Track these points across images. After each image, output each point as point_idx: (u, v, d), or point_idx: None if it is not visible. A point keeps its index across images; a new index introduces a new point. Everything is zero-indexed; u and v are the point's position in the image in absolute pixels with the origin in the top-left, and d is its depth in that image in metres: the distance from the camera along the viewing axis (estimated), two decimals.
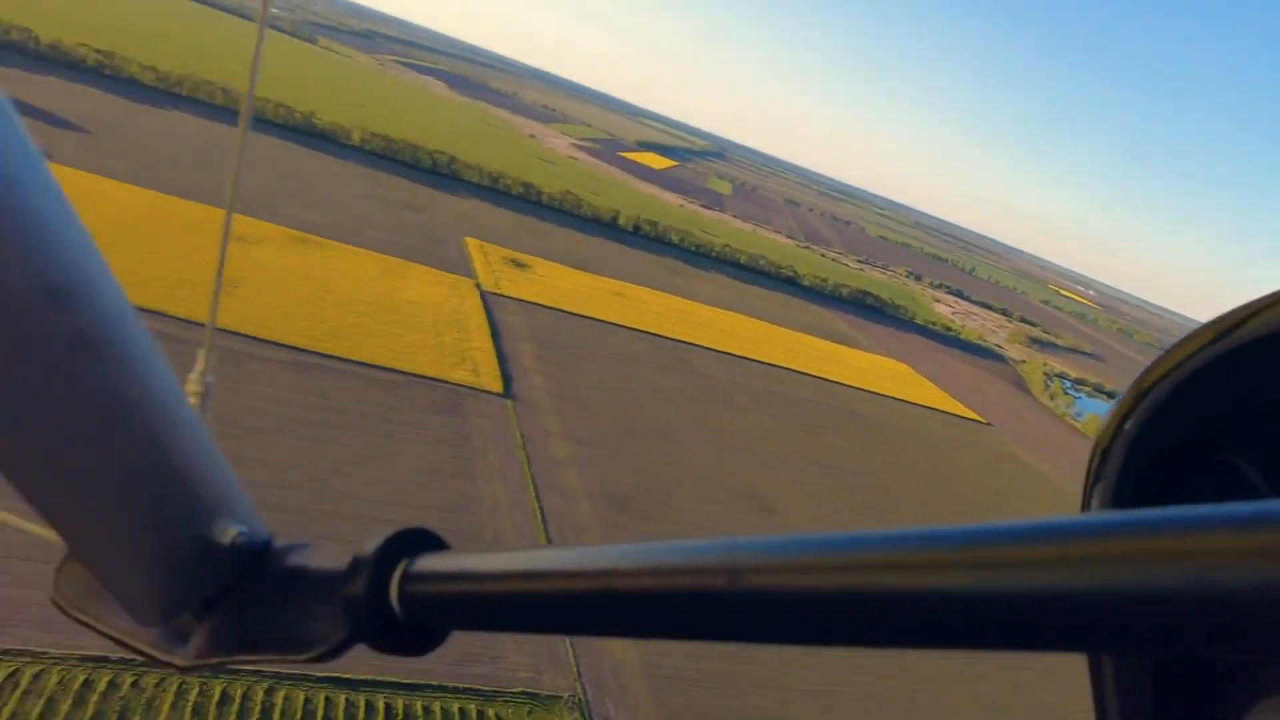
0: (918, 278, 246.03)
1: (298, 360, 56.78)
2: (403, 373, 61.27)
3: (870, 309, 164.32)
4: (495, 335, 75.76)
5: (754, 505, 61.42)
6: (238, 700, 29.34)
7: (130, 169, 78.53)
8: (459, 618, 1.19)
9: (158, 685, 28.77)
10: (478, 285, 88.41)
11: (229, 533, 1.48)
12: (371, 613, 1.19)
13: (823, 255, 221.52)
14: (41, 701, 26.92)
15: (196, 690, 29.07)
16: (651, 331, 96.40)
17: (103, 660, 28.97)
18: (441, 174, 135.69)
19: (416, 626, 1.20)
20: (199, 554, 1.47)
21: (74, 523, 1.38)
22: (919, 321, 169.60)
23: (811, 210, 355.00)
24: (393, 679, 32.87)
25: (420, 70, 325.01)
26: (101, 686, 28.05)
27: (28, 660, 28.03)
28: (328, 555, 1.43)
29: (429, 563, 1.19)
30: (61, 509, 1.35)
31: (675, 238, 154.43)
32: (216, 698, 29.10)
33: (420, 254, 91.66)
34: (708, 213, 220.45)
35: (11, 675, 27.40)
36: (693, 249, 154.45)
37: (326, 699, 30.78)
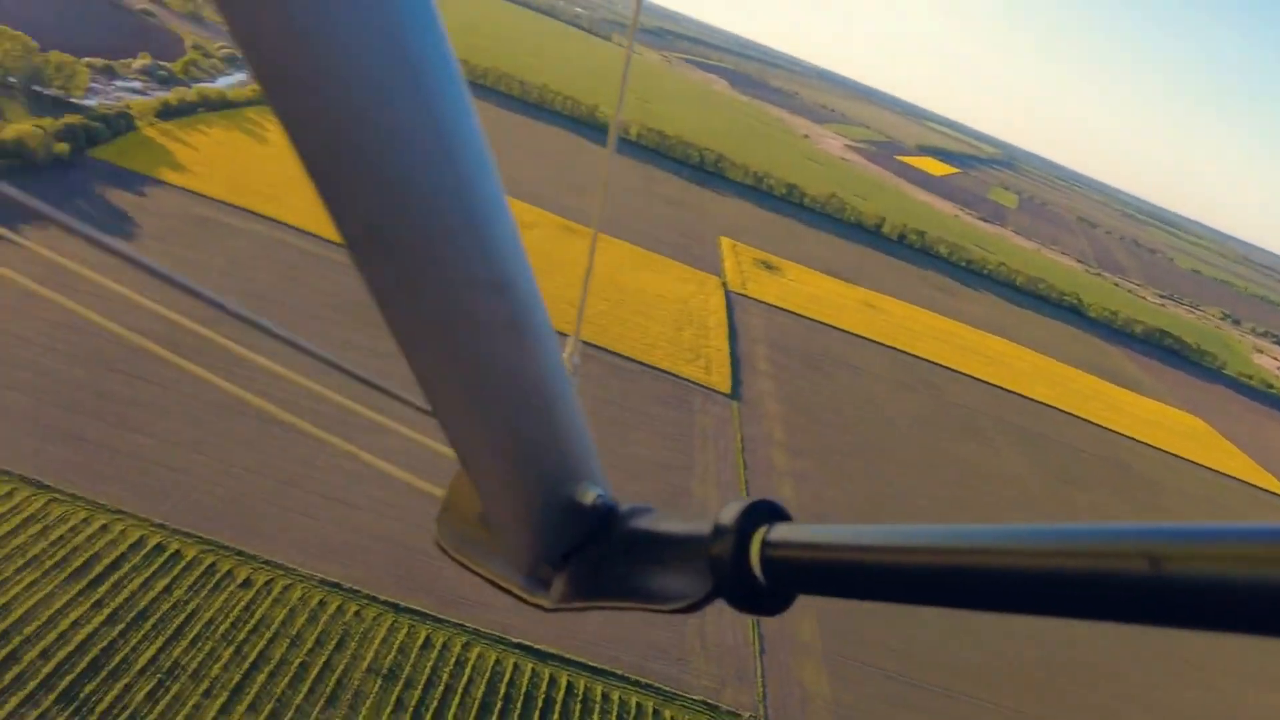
0: (1235, 321, 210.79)
1: None
2: (639, 363, 63.11)
3: (1167, 351, 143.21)
4: (732, 335, 75.64)
5: None
6: (437, 647, 31.78)
7: None
8: (815, 583, 1.28)
9: (375, 619, 31.94)
10: (724, 284, 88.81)
11: (590, 494, 1.74)
12: (736, 574, 1.34)
13: (1116, 285, 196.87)
14: (285, 610, 30.95)
15: (405, 631, 31.90)
16: (900, 348, 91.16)
17: (336, 586, 32.74)
18: (709, 171, 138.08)
19: (772, 588, 1.33)
20: (567, 511, 1.74)
21: (485, 474, 1.68)
22: (1229, 372, 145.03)
23: (1110, 233, 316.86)
24: (580, 658, 33.90)
25: (705, 68, 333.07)
26: (331, 609, 31.71)
27: (281, 574, 32.36)
28: (672, 520, 1.64)
29: (785, 531, 1.32)
30: (479, 463, 1.66)
31: (944, 250, 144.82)
32: (420, 641, 31.73)
33: (675, 249, 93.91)
34: (986, 226, 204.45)
35: (268, 583, 31.77)
36: (963, 264, 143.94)
37: (515, 665, 32.42)
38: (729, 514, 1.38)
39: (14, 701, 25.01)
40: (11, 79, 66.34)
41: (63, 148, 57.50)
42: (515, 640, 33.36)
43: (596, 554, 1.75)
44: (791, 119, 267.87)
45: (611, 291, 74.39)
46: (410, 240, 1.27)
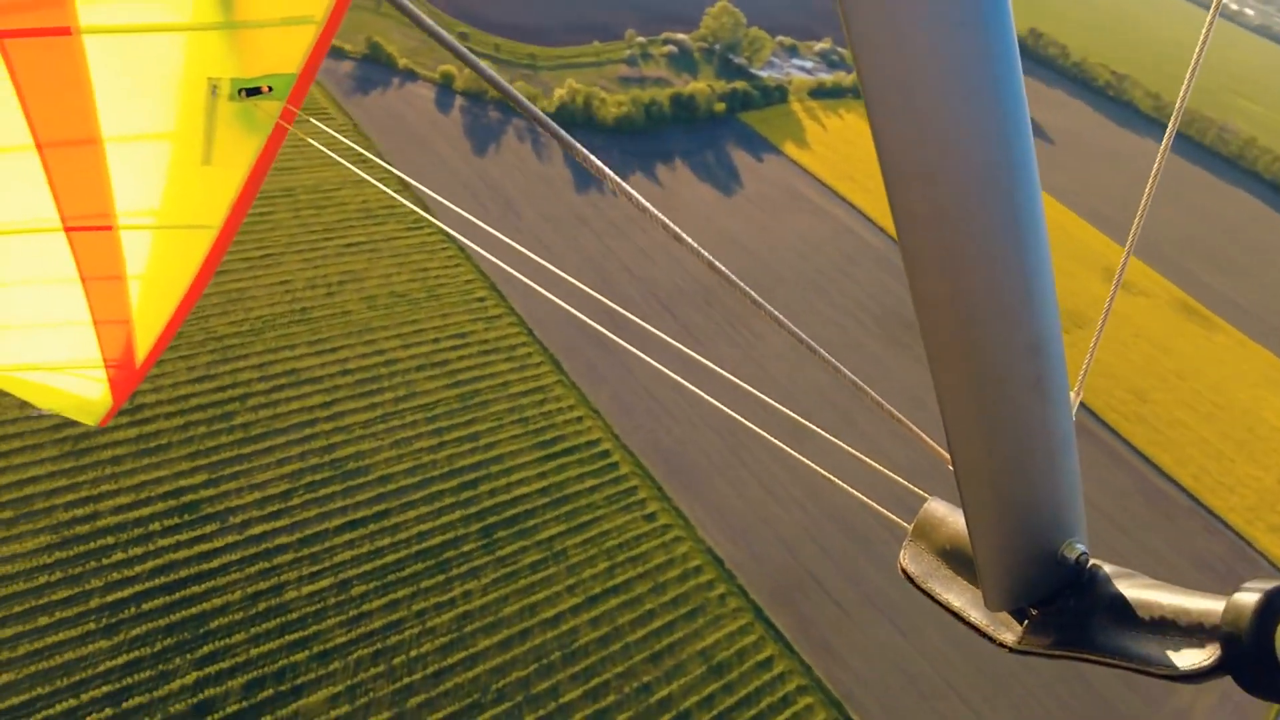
0: None
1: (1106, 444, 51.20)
2: (1196, 501, 49.35)
3: None
4: None
5: None
6: (773, 673, 30.20)
7: (1062, 184, 79.43)
8: None
9: (733, 611, 31.76)
10: None
11: (1075, 550, 1.76)
12: (1255, 654, 1.30)
13: None
14: (664, 557, 32.76)
15: (752, 639, 31.08)
16: None
17: (718, 561, 33.34)
18: None
19: None
20: (1049, 562, 1.76)
21: (984, 519, 1.74)
22: None
23: None
24: None
25: None
26: (702, 579, 32.44)
27: (680, 525, 34.23)
28: (1165, 588, 1.62)
29: None
30: (981, 509, 1.73)
31: None
32: (761, 656, 30.59)
33: None
34: None
35: (665, 526, 33.93)
36: None
37: None
38: (1251, 592, 1.32)
39: (456, 515, 31.54)
40: (716, 45, 79.19)
41: (720, 107, 67.11)
42: (852, 714, 30.04)
43: (1078, 607, 1.73)
44: None
45: (1210, 403, 59.12)
46: (968, 299, 1.36)
